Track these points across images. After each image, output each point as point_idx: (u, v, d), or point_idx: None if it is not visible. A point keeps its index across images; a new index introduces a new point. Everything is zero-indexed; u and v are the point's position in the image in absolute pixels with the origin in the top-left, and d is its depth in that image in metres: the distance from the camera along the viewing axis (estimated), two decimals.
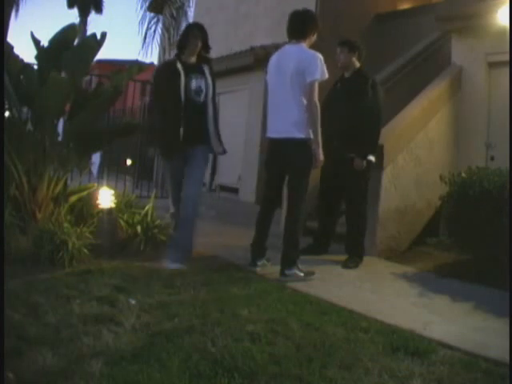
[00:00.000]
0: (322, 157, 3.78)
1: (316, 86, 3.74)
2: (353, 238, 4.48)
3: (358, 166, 4.32)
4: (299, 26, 3.90)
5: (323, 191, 4.72)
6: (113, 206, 4.32)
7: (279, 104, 3.88)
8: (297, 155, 3.78)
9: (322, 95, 4.04)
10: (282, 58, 3.92)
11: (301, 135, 3.74)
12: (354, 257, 4.39)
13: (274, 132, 3.93)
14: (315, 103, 3.72)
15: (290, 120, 3.78)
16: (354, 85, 4.49)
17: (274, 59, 4.02)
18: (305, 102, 3.74)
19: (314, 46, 3.97)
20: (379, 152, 4.59)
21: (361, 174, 4.35)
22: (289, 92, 3.78)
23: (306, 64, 3.73)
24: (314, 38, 3.96)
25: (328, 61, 4.51)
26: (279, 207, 4.06)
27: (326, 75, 3.77)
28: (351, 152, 4.33)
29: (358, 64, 4.59)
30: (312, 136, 3.75)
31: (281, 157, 3.88)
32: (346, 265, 4.28)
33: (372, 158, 4.41)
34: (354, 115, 4.33)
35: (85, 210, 4.35)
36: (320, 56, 3.76)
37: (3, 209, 3.64)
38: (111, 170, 6.95)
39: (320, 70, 3.73)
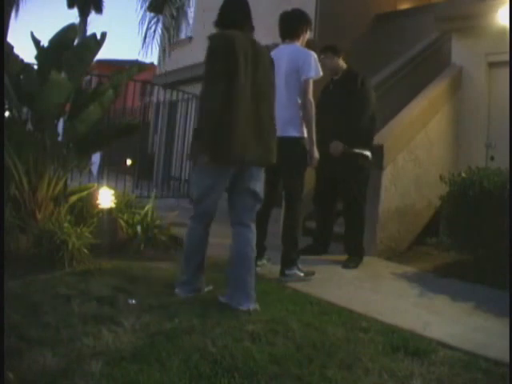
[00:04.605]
0: (316, 155, 3.77)
1: (311, 84, 3.74)
2: (352, 238, 4.48)
3: (334, 148, 4.28)
4: (291, 25, 3.91)
5: (320, 191, 4.71)
6: (113, 205, 4.32)
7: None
8: (291, 154, 3.75)
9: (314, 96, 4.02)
10: (276, 58, 3.90)
11: (295, 133, 3.74)
12: (354, 257, 4.39)
13: None
14: (310, 101, 3.73)
15: (284, 119, 3.75)
16: (347, 84, 4.49)
17: None
18: (299, 100, 3.74)
19: (313, 46, 3.97)
20: (379, 152, 4.59)
21: (358, 172, 4.35)
22: (283, 91, 3.77)
23: (300, 63, 3.74)
24: (307, 35, 3.96)
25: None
26: (276, 207, 4.04)
27: (321, 73, 3.78)
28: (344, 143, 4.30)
29: (345, 65, 4.60)
30: (306, 134, 3.74)
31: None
32: (346, 265, 4.28)
33: (368, 153, 4.39)
34: (349, 113, 4.33)
35: (85, 210, 4.35)
36: (314, 54, 3.77)
37: (3, 209, 3.64)
38: (111, 170, 6.93)
39: (314, 68, 3.74)
